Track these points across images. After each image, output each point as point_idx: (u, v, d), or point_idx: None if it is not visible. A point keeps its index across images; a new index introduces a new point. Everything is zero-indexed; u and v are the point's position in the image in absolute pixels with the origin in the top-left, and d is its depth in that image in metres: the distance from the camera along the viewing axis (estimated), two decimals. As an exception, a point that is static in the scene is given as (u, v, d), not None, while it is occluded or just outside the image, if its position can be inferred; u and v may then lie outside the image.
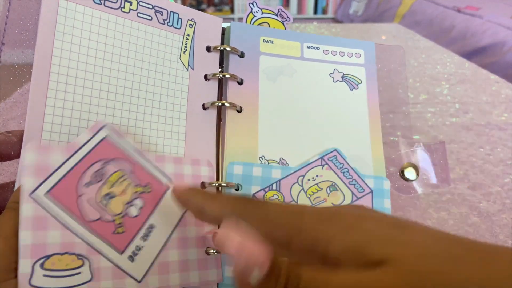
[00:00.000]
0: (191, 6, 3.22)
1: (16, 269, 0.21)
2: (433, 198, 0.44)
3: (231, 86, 0.32)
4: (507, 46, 1.49)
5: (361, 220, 0.18)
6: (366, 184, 0.31)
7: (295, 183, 0.31)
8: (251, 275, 0.16)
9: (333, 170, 0.31)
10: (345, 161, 0.31)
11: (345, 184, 0.31)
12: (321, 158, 0.32)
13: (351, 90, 0.35)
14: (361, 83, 0.36)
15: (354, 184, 0.31)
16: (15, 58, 0.29)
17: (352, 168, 0.31)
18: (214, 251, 0.28)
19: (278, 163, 0.32)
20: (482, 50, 1.58)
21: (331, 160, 0.31)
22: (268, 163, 0.31)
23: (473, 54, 1.60)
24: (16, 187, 0.23)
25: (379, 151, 0.34)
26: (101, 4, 0.28)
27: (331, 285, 0.16)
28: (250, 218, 0.19)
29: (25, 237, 0.22)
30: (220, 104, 0.32)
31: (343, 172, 0.31)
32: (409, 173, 0.36)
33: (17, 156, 0.24)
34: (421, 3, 2.20)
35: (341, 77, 0.36)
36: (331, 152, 0.32)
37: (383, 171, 0.34)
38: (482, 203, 0.44)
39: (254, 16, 0.35)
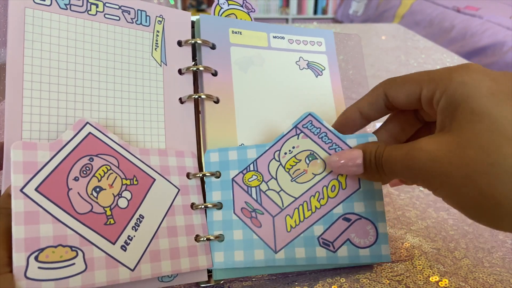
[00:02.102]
0: (191, 6, 3.23)
1: (9, 264, 0.22)
2: (433, 198, 0.44)
3: (206, 78, 0.33)
4: (507, 46, 1.49)
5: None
6: (348, 145, 0.29)
7: (272, 160, 0.30)
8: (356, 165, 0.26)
9: (309, 137, 0.30)
10: (322, 124, 0.30)
11: (324, 150, 0.29)
12: (295, 127, 0.30)
13: (316, 77, 0.37)
14: (324, 69, 0.38)
15: (335, 148, 0.29)
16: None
17: (330, 131, 0.29)
18: (204, 238, 0.29)
19: None
20: (482, 50, 1.58)
21: (306, 127, 0.30)
22: None
23: (473, 54, 1.60)
24: (2, 192, 0.24)
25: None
26: (67, 9, 0.28)
27: (394, 154, 0.24)
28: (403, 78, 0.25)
29: (18, 231, 0.22)
30: (196, 96, 0.32)
31: (321, 137, 0.30)
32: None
33: (1, 167, 0.25)
34: (421, 3, 2.20)
35: (306, 64, 0.37)
36: (305, 117, 0.30)
37: None
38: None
39: (221, 7, 0.36)
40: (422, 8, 2.15)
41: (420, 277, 0.32)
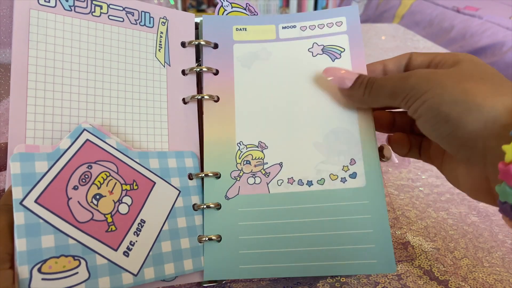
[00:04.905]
0: (191, 6, 3.22)
1: (9, 261, 0.22)
2: (432, 197, 0.44)
3: (207, 77, 0.33)
4: (507, 46, 1.49)
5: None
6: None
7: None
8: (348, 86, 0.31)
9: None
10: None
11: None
12: None
13: (333, 61, 0.34)
14: (343, 51, 0.34)
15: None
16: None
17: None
18: (206, 238, 0.29)
19: (257, 146, 0.32)
20: (482, 50, 1.58)
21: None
22: (247, 148, 0.32)
23: (473, 54, 1.59)
24: (5, 191, 0.24)
25: (368, 121, 0.32)
26: (71, 10, 0.29)
27: (389, 80, 0.28)
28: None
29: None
30: (199, 97, 0.32)
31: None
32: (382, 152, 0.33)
33: (5, 167, 0.25)
34: (421, 4, 2.20)
35: (321, 49, 0.34)
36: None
37: (373, 142, 0.31)
38: (481, 203, 0.44)
39: (225, 10, 0.37)
40: (422, 8, 2.15)
41: (420, 277, 0.32)
